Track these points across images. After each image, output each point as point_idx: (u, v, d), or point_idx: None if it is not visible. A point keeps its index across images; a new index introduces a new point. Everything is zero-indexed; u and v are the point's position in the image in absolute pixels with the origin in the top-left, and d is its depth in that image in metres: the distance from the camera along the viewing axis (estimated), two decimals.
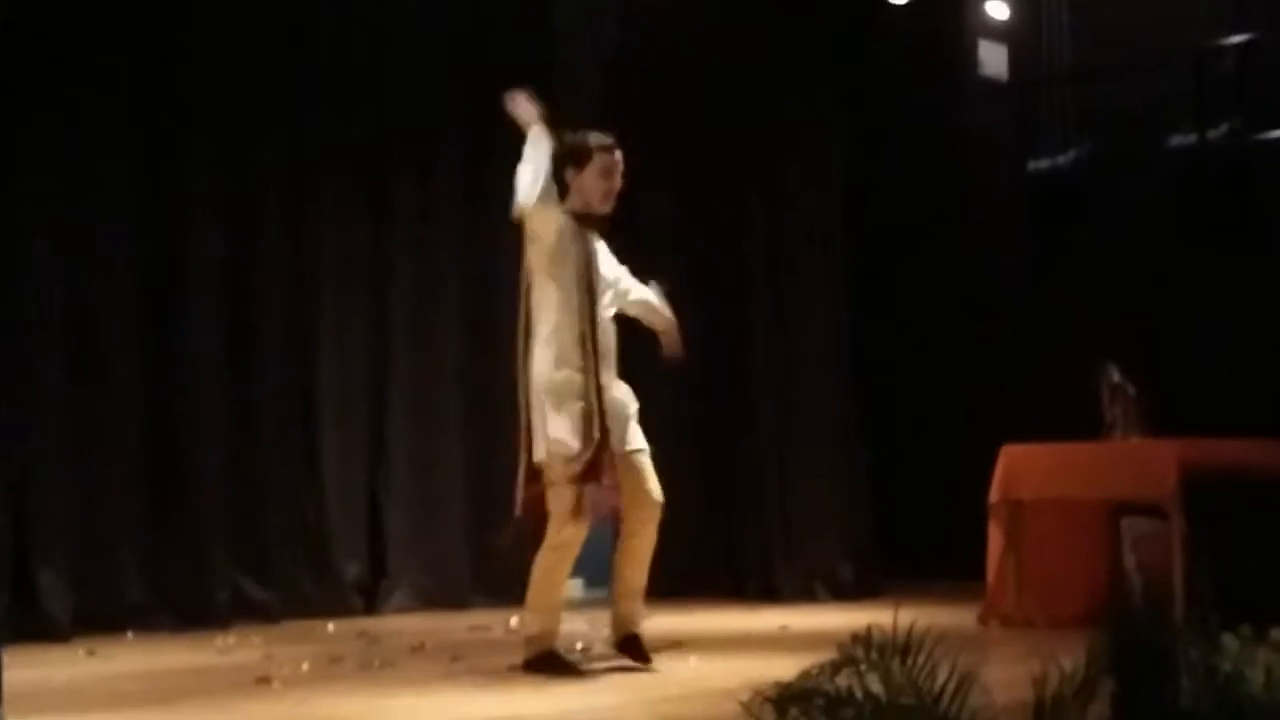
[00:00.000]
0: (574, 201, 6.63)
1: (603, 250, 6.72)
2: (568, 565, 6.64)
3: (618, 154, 6.66)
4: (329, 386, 9.40)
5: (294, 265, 9.31)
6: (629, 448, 6.52)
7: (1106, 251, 9.80)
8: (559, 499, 6.42)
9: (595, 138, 6.66)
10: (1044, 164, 10.34)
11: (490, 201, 9.90)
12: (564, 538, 6.47)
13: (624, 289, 6.78)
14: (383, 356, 9.66)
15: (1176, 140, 9.70)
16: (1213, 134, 9.53)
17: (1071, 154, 10.23)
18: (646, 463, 6.57)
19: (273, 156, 9.24)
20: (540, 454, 6.49)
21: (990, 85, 10.98)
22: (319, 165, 9.45)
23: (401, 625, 8.67)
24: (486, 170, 9.93)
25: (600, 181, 6.61)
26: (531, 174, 6.49)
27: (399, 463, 9.62)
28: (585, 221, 6.63)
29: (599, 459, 6.37)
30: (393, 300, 9.71)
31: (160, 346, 8.72)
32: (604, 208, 6.66)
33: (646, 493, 6.53)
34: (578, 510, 6.38)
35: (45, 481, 8.22)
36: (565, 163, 6.62)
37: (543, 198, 6.49)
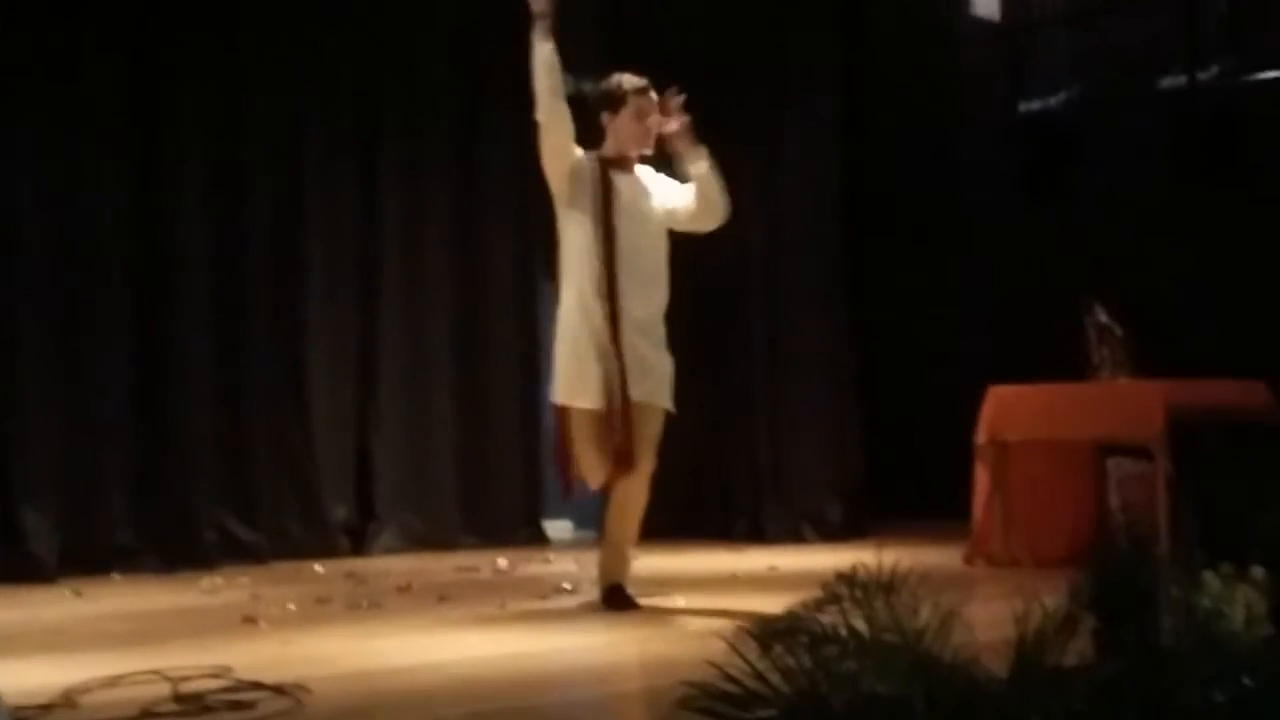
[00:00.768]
0: (609, 145, 6.61)
1: (650, 187, 6.69)
2: (639, 507, 6.63)
3: (653, 96, 6.61)
4: (318, 328, 9.39)
5: (284, 208, 9.28)
6: (637, 399, 6.47)
7: (1096, 192, 9.79)
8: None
9: (630, 80, 6.63)
10: (1035, 105, 10.35)
11: (482, 145, 9.95)
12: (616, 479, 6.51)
13: (671, 209, 6.71)
14: (372, 298, 9.65)
15: (1167, 82, 9.70)
16: (1203, 75, 9.53)
17: (1063, 95, 10.23)
18: (647, 421, 6.51)
19: (261, 104, 9.20)
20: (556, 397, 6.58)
21: (982, 26, 10.95)
22: (308, 116, 9.42)
23: (389, 566, 8.68)
24: (477, 118, 9.94)
25: (636, 124, 6.58)
26: (538, 87, 6.46)
27: (388, 404, 9.62)
28: (619, 165, 6.60)
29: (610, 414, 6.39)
30: (383, 242, 9.70)
31: (148, 289, 8.70)
32: (640, 149, 6.64)
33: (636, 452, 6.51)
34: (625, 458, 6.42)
35: (31, 423, 8.22)
36: (601, 106, 6.62)
37: (553, 114, 6.46)
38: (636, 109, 6.57)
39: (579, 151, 6.59)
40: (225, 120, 9.01)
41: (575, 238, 6.54)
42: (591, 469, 6.53)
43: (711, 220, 6.79)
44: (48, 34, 8.35)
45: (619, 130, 6.59)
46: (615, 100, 6.59)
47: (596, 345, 6.45)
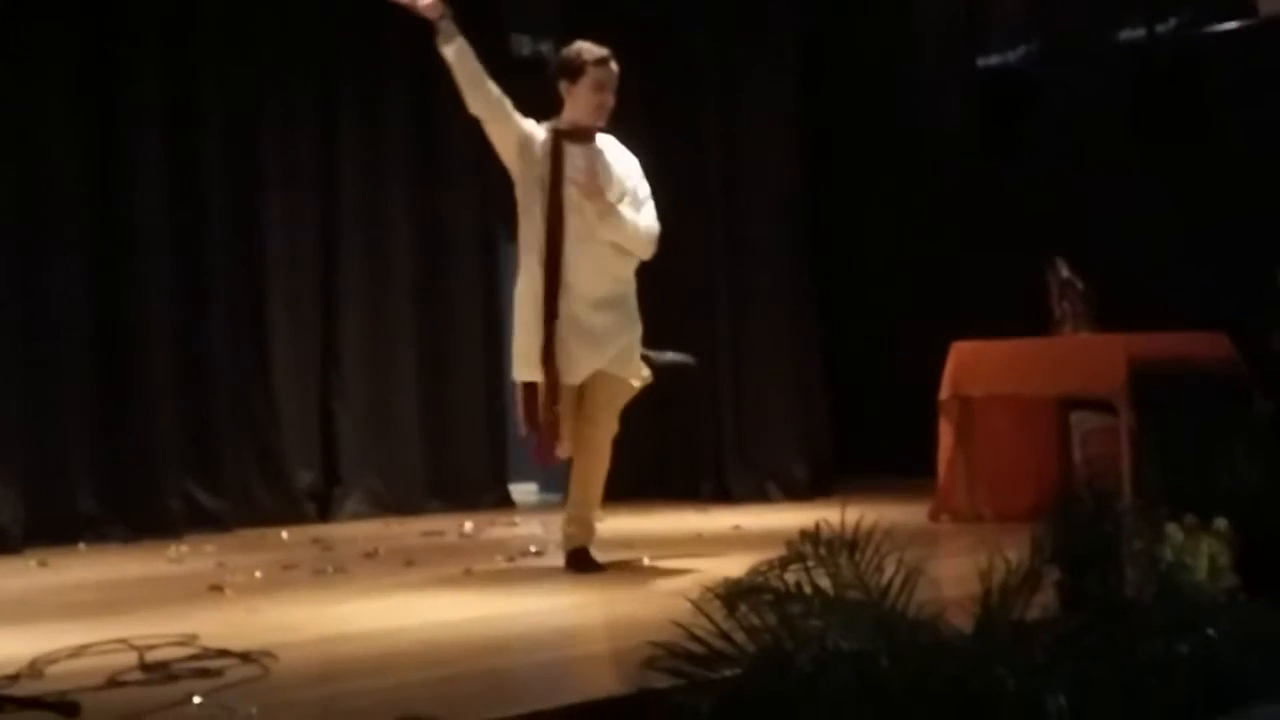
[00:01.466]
0: (566, 114, 6.55)
1: (612, 159, 6.62)
2: (602, 469, 6.65)
3: (613, 66, 6.55)
4: (280, 293, 9.35)
5: (242, 172, 9.22)
6: (589, 371, 6.46)
7: (1056, 146, 9.79)
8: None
9: (590, 51, 6.54)
10: (994, 59, 10.33)
11: (440, 103, 9.87)
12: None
13: (632, 188, 6.64)
14: (334, 262, 9.61)
15: (1125, 34, 9.69)
16: (1161, 28, 9.52)
17: (1021, 49, 10.21)
18: (606, 389, 6.50)
19: (220, 61, 9.13)
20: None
21: None
22: (266, 73, 9.35)
23: (355, 531, 8.67)
24: (437, 81, 9.81)
25: (593, 95, 6.50)
26: (459, 87, 6.43)
27: (351, 369, 9.59)
28: (576, 136, 6.54)
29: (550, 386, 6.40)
30: (343, 206, 9.65)
31: (108, 255, 8.64)
32: (597, 122, 6.57)
33: (588, 420, 6.51)
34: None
35: None
36: (560, 75, 6.56)
37: (482, 106, 6.44)
38: (595, 80, 6.50)
39: (528, 125, 6.52)
40: (182, 89, 8.92)
41: (529, 210, 6.51)
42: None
43: (643, 255, 6.68)
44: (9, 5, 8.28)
45: (577, 100, 6.53)
46: (574, 70, 6.52)
47: (540, 319, 6.43)
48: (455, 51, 6.39)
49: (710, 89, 10.28)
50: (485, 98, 6.43)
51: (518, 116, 6.52)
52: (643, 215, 6.58)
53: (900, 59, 10.84)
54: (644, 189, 6.65)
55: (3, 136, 8.30)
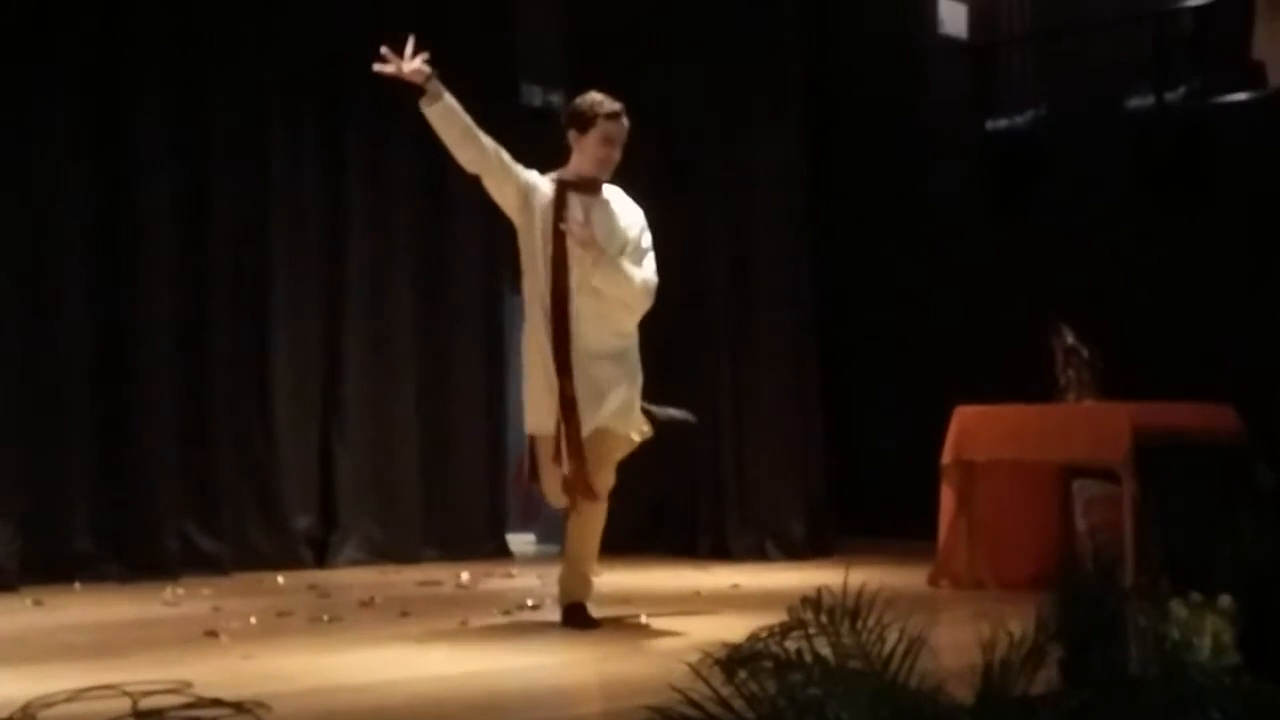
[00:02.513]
0: (572, 165, 6.54)
1: (619, 210, 6.60)
2: (598, 525, 6.60)
3: (624, 121, 6.53)
4: (282, 337, 9.36)
5: (246, 213, 9.26)
6: (591, 427, 6.41)
7: (1063, 212, 9.79)
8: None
9: (603, 104, 6.52)
10: (1002, 123, 10.33)
11: (446, 154, 9.90)
12: (574, 502, 6.49)
13: (635, 239, 6.61)
14: (337, 308, 9.62)
15: (1134, 102, 9.69)
16: (1170, 96, 9.53)
17: (1030, 113, 10.22)
18: (603, 444, 6.46)
19: (226, 98, 9.16)
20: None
21: (950, 43, 10.95)
22: (271, 116, 9.39)
23: (351, 578, 8.65)
24: None
25: (601, 148, 6.49)
26: (450, 148, 6.43)
27: (352, 415, 9.59)
28: (582, 187, 6.52)
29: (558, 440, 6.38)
30: (347, 252, 9.67)
31: (111, 294, 8.66)
32: (600, 174, 6.55)
33: (592, 475, 6.46)
34: (580, 485, 6.40)
35: None
36: (569, 124, 6.55)
37: (477, 163, 6.44)
38: (604, 133, 6.49)
39: (530, 176, 6.51)
40: (188, 133, 8.96)
41: (532, 263, 6.50)
42: (553, 491, 6.52)
43: (639, 307, 6.63)
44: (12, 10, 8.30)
45: (584, 151, 6.51)
46: (585, 121, 6.50)
47: (546, 374, 6.41)
48: (439, 113, 6.37)
49: (715, 142, 10.31)
50: (478, 154, 6.42)
51: (518, 168, 6.50)
52: (643, 267, 6.56)
53: (909, 120, 10.85)
54: (646, 239, 6.62)
55: (8, 180, 8.32)
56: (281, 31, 9.42)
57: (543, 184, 6.51)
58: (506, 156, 6.48)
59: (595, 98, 6.56)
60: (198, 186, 8.99)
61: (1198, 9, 9.49)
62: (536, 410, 6.50)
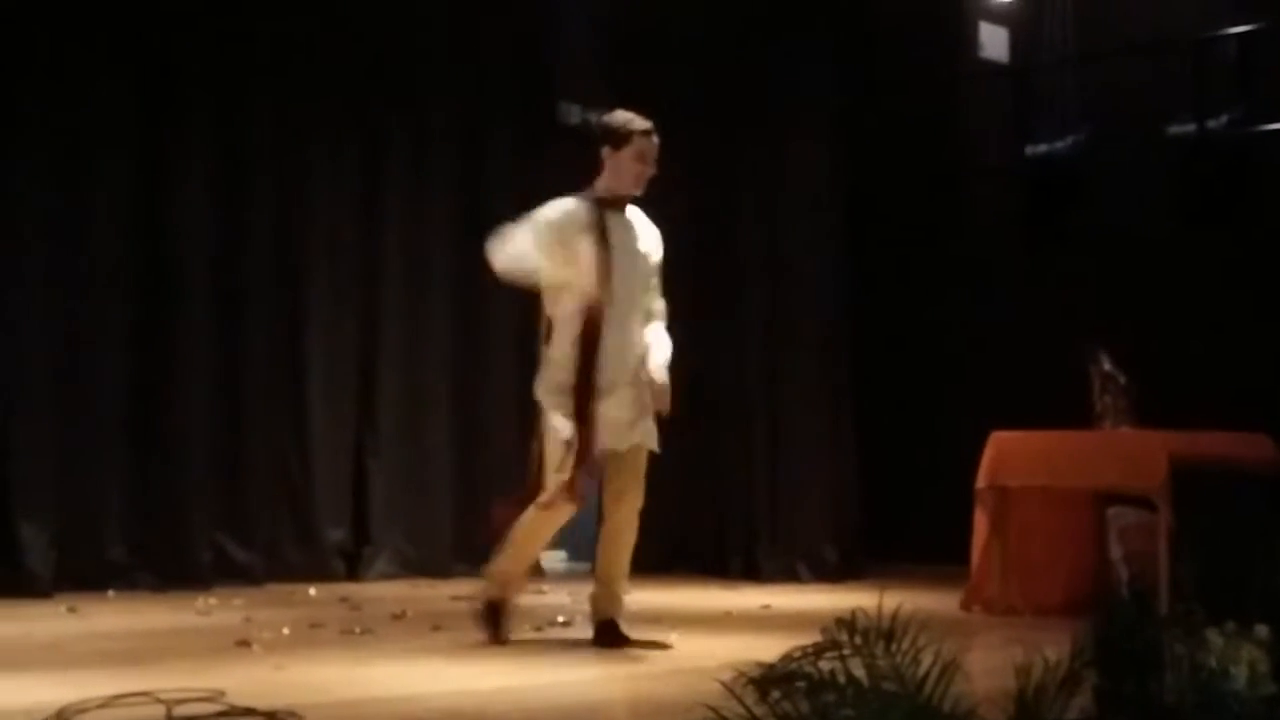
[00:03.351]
0: (605, 181, 6.56)
1: (640, 229, 6.64)
2: (548, 532, 6.70)
3: (655, 139, 6.55)
4: (317, 350, 9.38)
5: (284, 228, 9.28)
6: (622, 446, 6.45)
7: (1101, 238, 9.78)
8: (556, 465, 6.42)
9: (636, 121, 6.55)
10: (1042, 148, 10.33)
11: (483, 166, 9.95)
12: (553, 503, 6.44)
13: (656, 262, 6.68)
14: (372, 324, 9.64)
15: (1175, 128, 9.68)
16: (1212, 123, 9.51)
17: (1069, 139, 10.21)
18: (636, 459, 6.49)
19: (265, 118, 9.20)
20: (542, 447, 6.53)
21: (990, 67, 10.95)
22: (311, 132, 9.42)
23: (383, 592, 8.66)
24: (479, 133, 9.94)
25: (635, 164, 6.51)
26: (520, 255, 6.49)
27: (386, 429, 9.60)
28: (613, 204, 6.56)
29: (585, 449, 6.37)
30: (383, 266, 9.69)
31: (148, 304, 8.69)
32: (635, 191, 6.58)
33: (621, 493, 6.50)
34: (570, 490, 6.36)
35: (30, 438, 8.19)
36: (603, 141, 6.57)
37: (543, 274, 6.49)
38: (639, 150, 6.51)
39: (562, 225, 6.47)
40: (229, 147, 9.00)
41: (569, 278, 6.50)
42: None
43: None
44: (56, 37, 8.34)
45: (618, 168, 6.53)
46: (620, 138, 6.52)
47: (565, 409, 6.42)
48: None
49: (751, 162, 10.31)
50: (540, 269, 6.48)
51: (550, 238, 6.48)
52: (657, 307, 6.62)
53: (948, 143, 10.85)
54: (659, 259, 6.69)
55: (46, 182, 8.36)
56: (322, 43, 9.44)
57: (575, 213, 6.51)
58: (547, 235, 6.47)
59: (627, 115, 6.60)
60: (235, 207, 9.01)
61: (1241, 36, 9.47)
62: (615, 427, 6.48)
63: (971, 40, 10.98)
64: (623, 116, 6.60)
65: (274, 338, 9.21)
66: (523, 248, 6.49)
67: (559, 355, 6.50)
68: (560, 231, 6.46)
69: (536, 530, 6.61)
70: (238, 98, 9.06)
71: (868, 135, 10.63)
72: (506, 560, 6.64)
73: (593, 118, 10.48)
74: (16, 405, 8.18)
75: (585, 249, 6.44)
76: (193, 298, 8.80)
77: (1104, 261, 9.68)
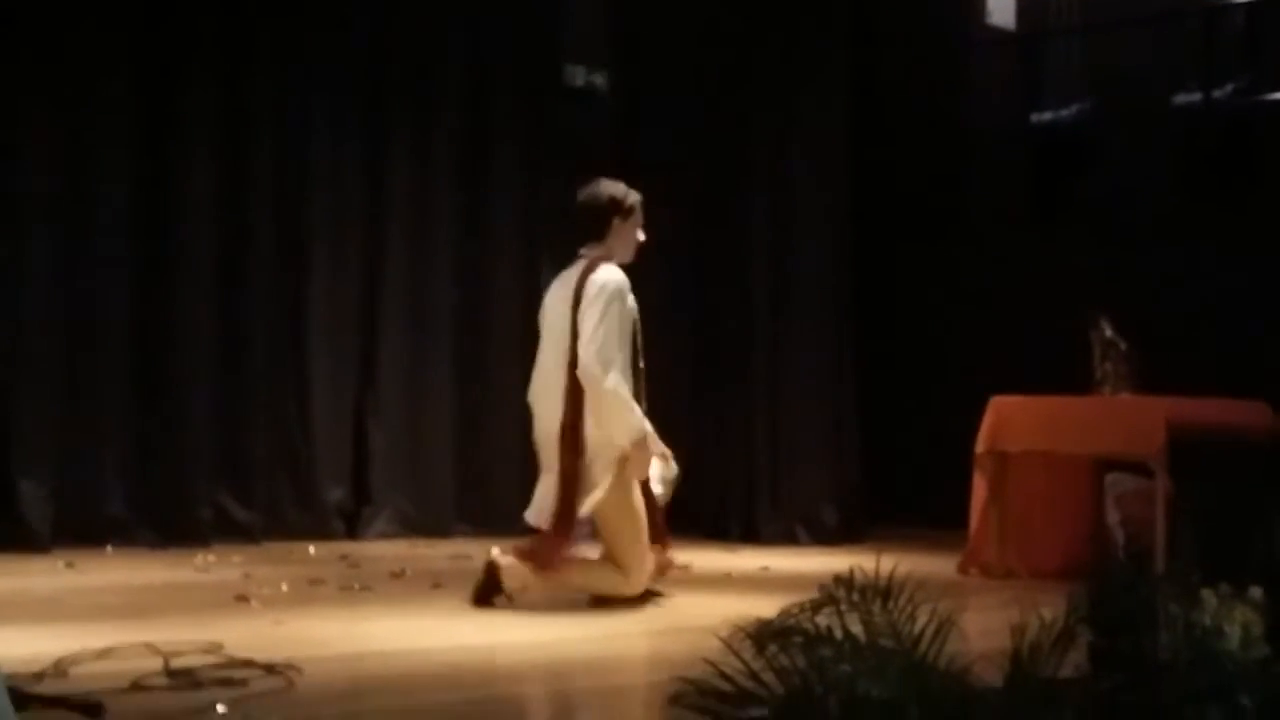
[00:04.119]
0: (614, 250, 6.72)
1: None
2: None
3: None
4: (319, 310, 9.37)
5: (286, 186, 9.27)
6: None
7: (1105, 206, 9.77)
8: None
9: (633, 194, 6.77)
10: (1047, 116, 10.32)
11: (487, 128, 9.94)
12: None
13: None
14: (375, 283, 9.63)
15: (1181, 98, 9.67)
16: (1217, 93, 9.49)
17: (1075, 107, 10.20)
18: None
19: (267, 76, 9.18)
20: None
21: (996, 34, 10.93)
22: (314, 90, 9.39)
23: (383, 551, 8.68)
24: (483, 95, 9.92)
25: (640, 234, 6.77)
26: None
27: (387, 388, 9.60)
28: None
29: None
30: (386, 227, 9.67)
31: (149, 261, 8.69)
32: (631, 259, 6.79)
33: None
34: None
35: (29, 394, 8.21)
36: (612, 212, 6.72)
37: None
38: (640, 220, 6.77)
39: (614, 275, 6.60)
40: (230, 109, 8.97)
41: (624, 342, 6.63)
42: None
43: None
44: (56, 26, 8.34)
45: (627, 237, 6.74)
46: (627, 210, 6.74)
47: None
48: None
49: (756, 131, 10.28)
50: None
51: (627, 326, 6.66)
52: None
53: (953, 110, 10.83)
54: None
55: (49, 145, 8.37)
56: (324, 8, 9.42)
57: (622, 276, 6.63)
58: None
59: (623, 187, 6.78)
60: (239, 161, 9.00)
61: (1249, 5, 9.45)
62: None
63: (979, 7, 10.95)
64: (620, 189, 6.80)
65: (276, 296, 9.20)
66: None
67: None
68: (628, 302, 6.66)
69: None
70: (244, 50, 9.03)
71: (873, 101, 10.62)
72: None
73: (599, 81, 10.50)
74: (16, 359, 8.20)
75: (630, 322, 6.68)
76: (194, 254, 8.79)
77: (1107, 228, 9.66)
